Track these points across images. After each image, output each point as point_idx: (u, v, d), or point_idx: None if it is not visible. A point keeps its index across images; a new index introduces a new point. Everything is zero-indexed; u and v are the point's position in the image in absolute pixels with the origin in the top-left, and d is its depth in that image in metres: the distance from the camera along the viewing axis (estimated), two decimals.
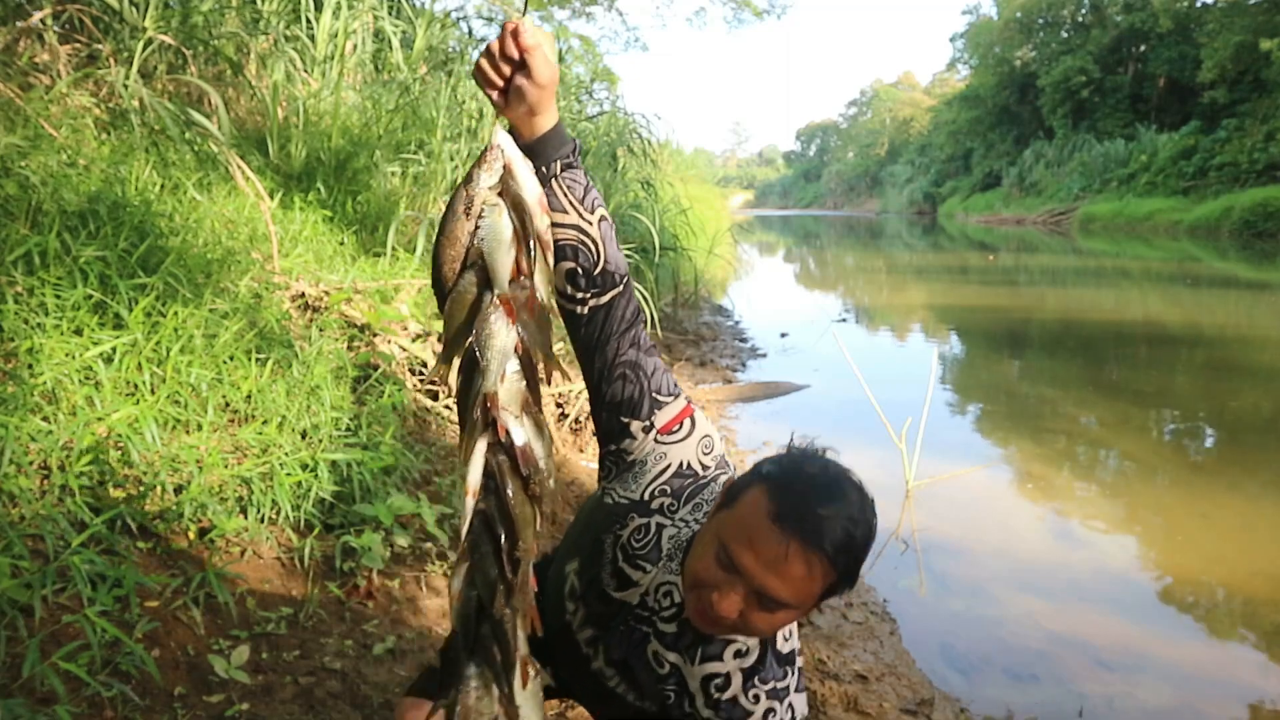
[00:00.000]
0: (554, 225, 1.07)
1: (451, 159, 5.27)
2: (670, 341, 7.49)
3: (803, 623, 2.87)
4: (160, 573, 2.16)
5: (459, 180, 0.98)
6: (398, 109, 5.61)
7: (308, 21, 5.57)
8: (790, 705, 1.21)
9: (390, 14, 6.62)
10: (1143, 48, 41.39)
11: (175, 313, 2.67)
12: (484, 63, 1.07)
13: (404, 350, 3.72)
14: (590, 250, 1.12)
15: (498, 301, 0.96)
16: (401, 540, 2.67)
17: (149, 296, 2.64)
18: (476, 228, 0.95)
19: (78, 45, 4.18)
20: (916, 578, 3.56)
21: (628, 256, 5.83)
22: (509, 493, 0.95)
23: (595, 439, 1.33)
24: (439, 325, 3.99)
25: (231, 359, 2.76)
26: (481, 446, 0.96)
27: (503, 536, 0.95)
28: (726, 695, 1.18)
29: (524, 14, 1.06)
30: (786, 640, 1.24)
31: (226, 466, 2.48)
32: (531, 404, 0.98)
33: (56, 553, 1.92)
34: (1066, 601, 3.36)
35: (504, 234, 0.95)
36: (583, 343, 1.18)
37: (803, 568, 1.04)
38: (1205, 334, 10.10)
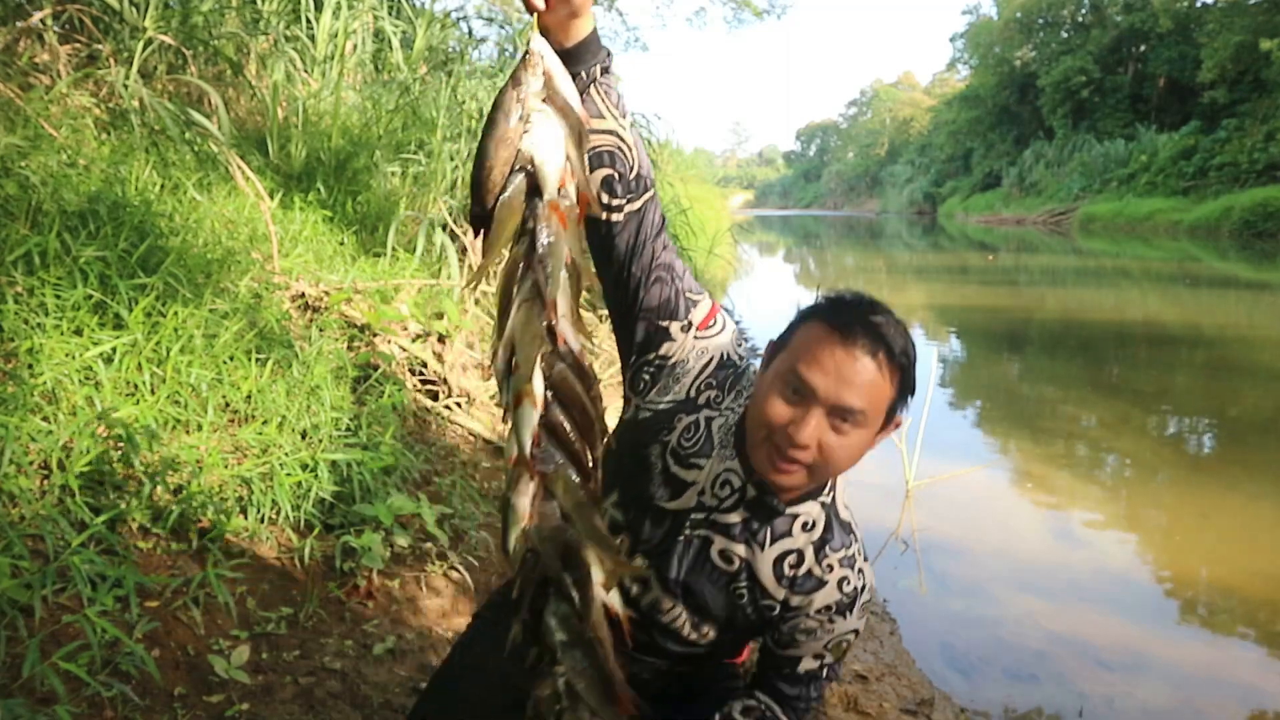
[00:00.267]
0: (592, 132, 1.06)
1: (451, 159, 5.27)
2: None
3: None
4: (160, 573, 2.16)
5: (503, 86, 0.93)
6: (398, 109, 5.61)
7: (308, 21, 5.58)
8: (860, 571, 1.24)
9: (390, 14, 6.63)
10: (1143, 48, 41.40)
11: (175, 313, 2.67)
12: None
13: (404, 350, 3.72)
14: (626, 155, 1.11)
15: (549, 208, 0.92)
16: (401, 540, 2.67)
17: (149, 296, 2.64)
18: (525, 132, 0.92)
19: (78, 45, 4.18)
20: (916, 578, 3.56)
21: None
22: (579, 393, 0.92)
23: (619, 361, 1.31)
24: (439, 325, 4.00)
25: (231, 359, 2.76)
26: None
27: (576, 439, 0.92)
28: (801, 570, 1.20)
29: None
30: (846, 509, 1.27)
31: (226, 466, 2.48)
32: (578, 315, 0.95)
33: (56, 553, 1.92)
34: (1066, 601, 3.36)
35: (554, 140, 0.93)
36: (617, 252, 1.16)
37: (871, 369, 1.07)
38: (1205, 334, 10.10)
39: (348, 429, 2.93)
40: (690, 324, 1.21)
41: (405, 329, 3.82)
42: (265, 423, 2.70)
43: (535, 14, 1.01)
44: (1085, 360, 8.53)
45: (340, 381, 3.12)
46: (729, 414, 1.22)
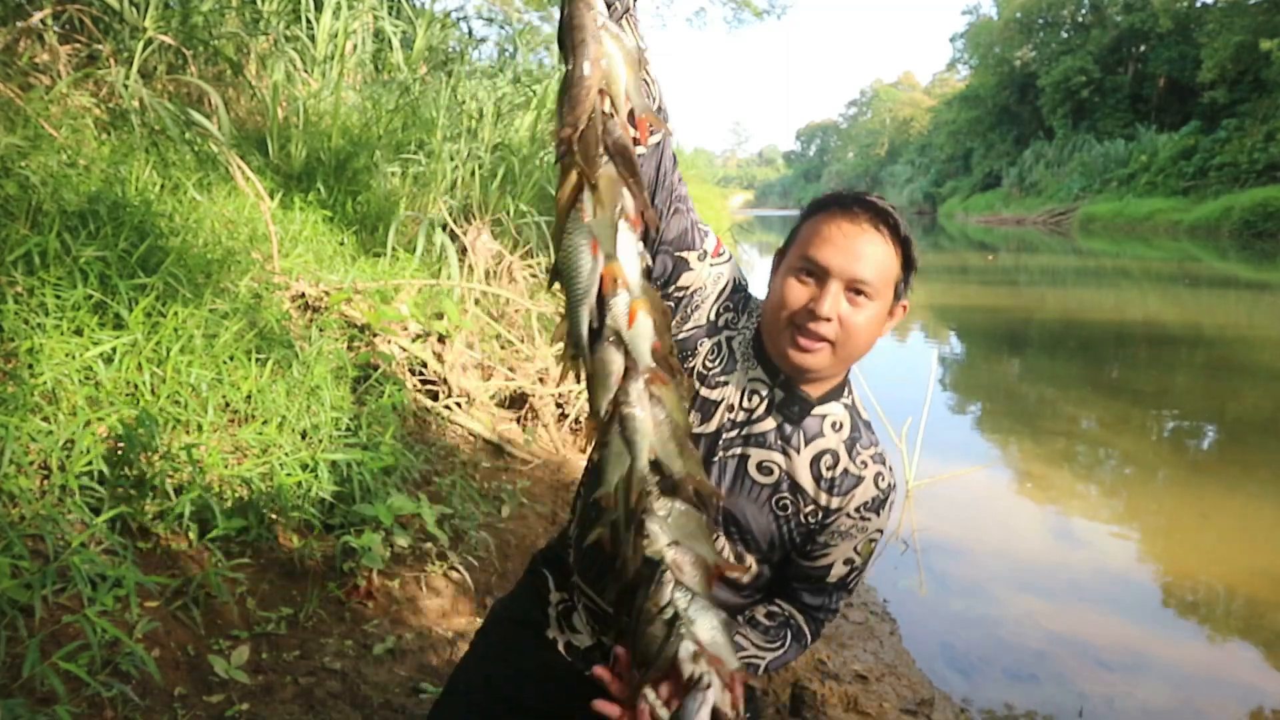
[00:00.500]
0: None
1: (451, 159, 5.27)
2: None
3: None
4: (160, 573, 2.16)
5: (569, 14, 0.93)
6: (398, 109, 5.61)
7: (308, 21, 5.58)
8: (890, 468, 1.29)
9: (390, 14, 6.63)
10: (1143, 48, 41.41)
11: (175, 313, 2.67)
12: None
13: (404, 350, 3.72)
14: (650, 88, 1.12)
15: (625, 128, 0.95)
16: (401, 540, 2.67)
17: (149, 296, 2.63)
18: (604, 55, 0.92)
19: (78, 45, 4.18)
20: (916, 578, 3.56)
21: None
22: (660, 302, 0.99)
23: None
24: (439, 325, 3.99)
25: (231, 359, 2.76)
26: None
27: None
28: (838, 470, 1.22)
29: None
30: (864, 411, 1.31)
31: (226, 466, 2.48)
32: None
33: (56, 553, 1.92)
34: (1066, 601, 3.36)
35: (620, 61, 0.94)
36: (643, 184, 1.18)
37: (878, 240, 1.13)
38: (1205, 334, 10.10)
39: (348, 429, 2.93)
40: (705, 253, 1.24)
41: (405, 329, 3.82)
42: (265, 423, 2.70)
43: None
44: (1085, 360, 8.53)
45: (340, 381, 3.12)
46: (746, 331, 1.25)
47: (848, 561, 1.28)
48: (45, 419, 2.19)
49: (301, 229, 4.17)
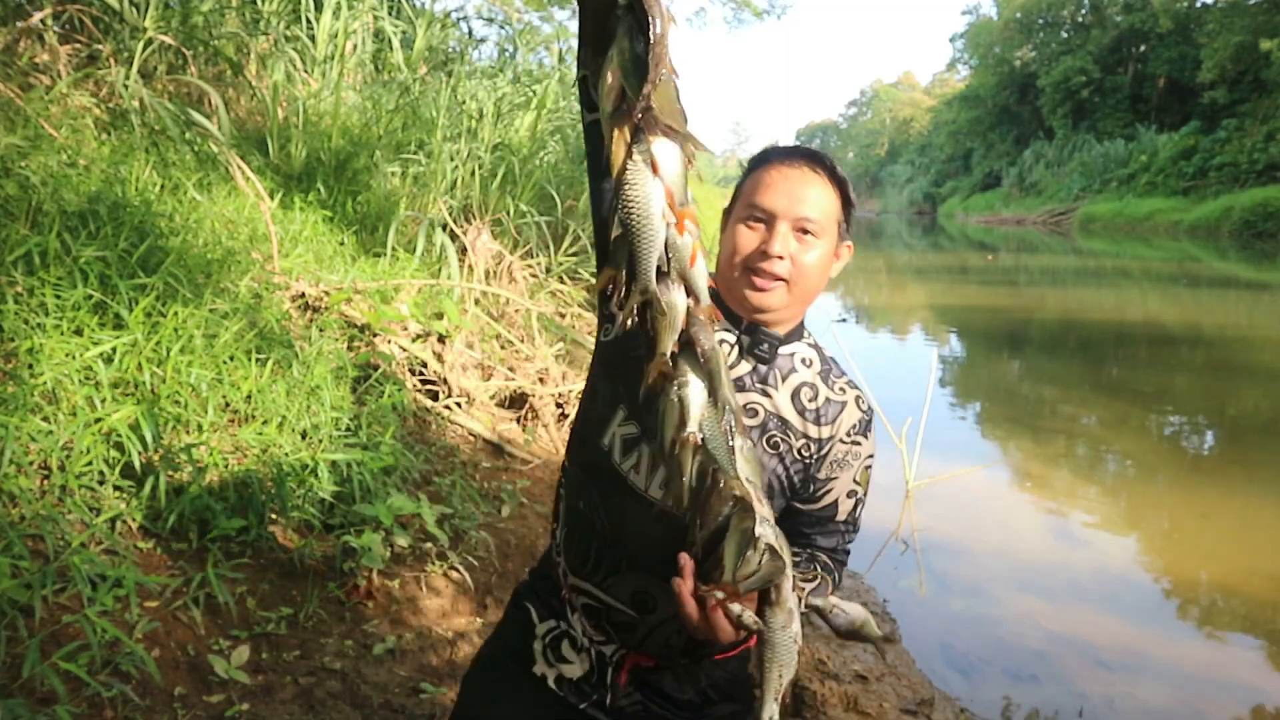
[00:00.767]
0: None
1: (451, 159, 5.27)
2: None
3: None
4: (160, 573, 2.16)
5: None
6: (398, 109, 5.61)
7: (308, 22, 5.58)
8: (863, 392, 1.32)
9: (390, 14, 6.63)
10: (1143, 48, 41.41)
11: (175, 313, 2.67)
12: None
13: (404, 350, 3.72)
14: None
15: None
16: (401, 540, 2.67)
17: (149, 296, 2.63)
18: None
19: (78, 45, 4.18)
20: (916, 578, 3.56)
21: None
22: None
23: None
24: (438, 325, 3.99)
25: (231, 359, 2.76)
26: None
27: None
28: (820, 400, 1.26)
29: None
30: (826, 350, 1.34)
31: (226, 466, 2.48)
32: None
33: (56, 553, 1.92)
34: (1066, 601, 3.36)
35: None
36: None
37: (819, 184, 1.19)
38: (1205, 334, 10.10)
39: (348, 429, 2.93)
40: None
41: (405, 329, 3.82)
42: (265, 423, 2.70)
43: None
44: (1085, 360, 8.53)
45: (340, 381, 3.12)
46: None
47: (851, 494, 1.30)
48: (45, 419, 2.19)
49: (301, 229, 4.17)
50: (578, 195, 6.16)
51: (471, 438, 3.76)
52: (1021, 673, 2.87)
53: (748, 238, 1.19)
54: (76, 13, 4.20)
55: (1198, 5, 37.71)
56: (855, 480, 1.29)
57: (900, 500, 4.30)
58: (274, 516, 2.50)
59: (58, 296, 2.46)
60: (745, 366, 1.24)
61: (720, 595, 1.01)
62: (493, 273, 4.69)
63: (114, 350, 2.44)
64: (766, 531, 1.00)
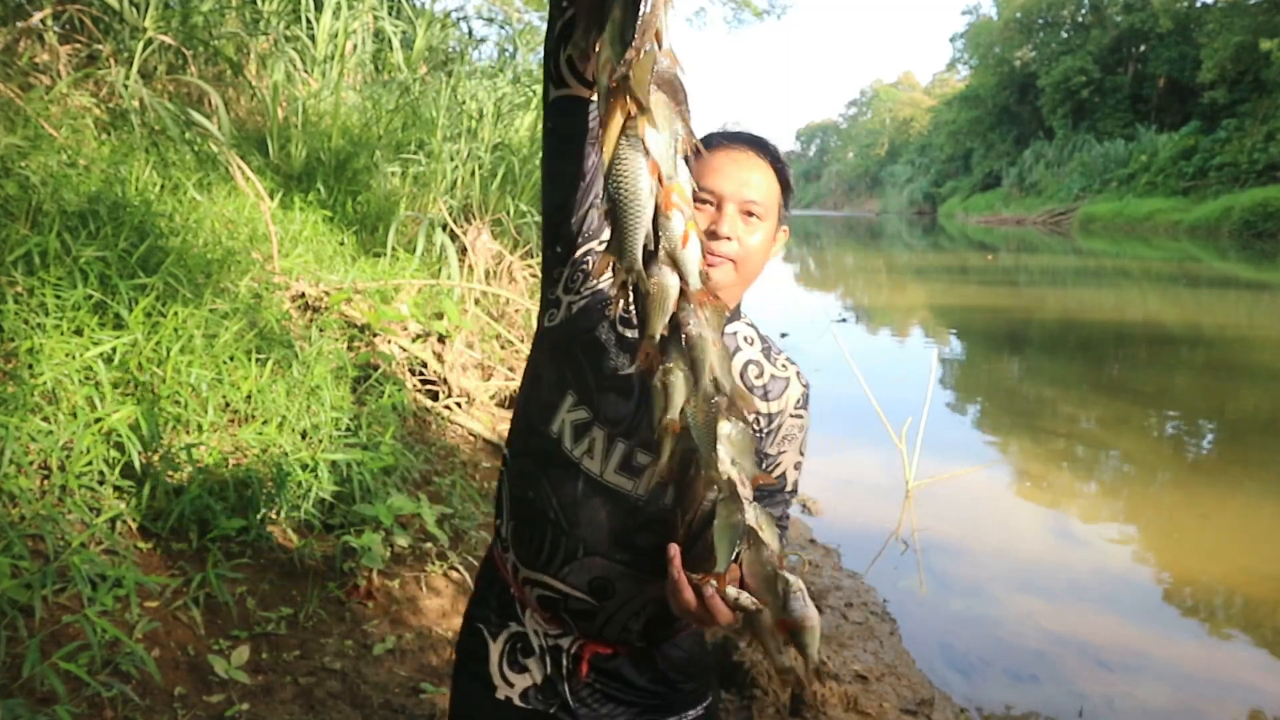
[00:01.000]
0: None
1: (451, 159, 5.27)
2: None
3: None
4: (160, 573, 2.16)
5: None
6: (398, 109, 5.61)
7: (308, 21, 5.58)
8: (799, 369, 1.37)
9: (390, 14, 6.63)
10: (1143, 48, 41.42)
11: (175, 313, 2.67)
12: None
13: (404, 350, 3.72)
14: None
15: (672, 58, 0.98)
16: (401, 540, 2.67)
17: (149, 296, 2.64)
18: None
19: (78, 45, 4.18)
20: (916, 578, 3.56)
21: None
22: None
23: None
24: (438, 325, 3.99)
25: (231, 359, 2.76)
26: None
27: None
28: (766, 377, 1.30)
29: None
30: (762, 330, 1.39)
31: (226, 466, 2.48)
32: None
33: (56, 553, 1.92)
34: (1066, 601, 3.36)
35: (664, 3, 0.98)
36: (593, 133, 1.18)
37: (761, 166, 1.24)
38: (1205, 334, 10.10)
39: (348, 429, 2.93)
40: None
41: (405, 329, 3.82)
42: (265, 423, 2.70)
43: None
44: (1085, 360, 8.53)
45: (340, 381, 3.12)
46: None
47: (796, 465, 1.36)
48: (45, 419, 2.19)
49: (301, 229, 4.17)
50: None
51: (471, 438, 3.76)
52: (1021, 673, 2.87)
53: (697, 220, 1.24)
54: (76, 13, 4.20)
55: (1198, 5, 37.72)
56: (800, 451, 1.36)
57: (900, 500, 4.30)
58: (274, 516, 2.50)
59: (58, 296, 2.46)
60: None
61: (714, 583, 1.03)
62: (493, 273, 4.69)
63: (114, 350, 2.44)
64: (750, 514, 1.02)
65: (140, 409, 2.35)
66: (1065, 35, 45.99)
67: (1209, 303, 12.92)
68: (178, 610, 2.10)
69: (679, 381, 0.99)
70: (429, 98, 5.70)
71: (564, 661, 1.29)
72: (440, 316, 3.94)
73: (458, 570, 2.76)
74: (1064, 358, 8.75)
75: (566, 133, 1.16)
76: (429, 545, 2.79)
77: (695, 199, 1.20)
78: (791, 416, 1.31)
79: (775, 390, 1.30)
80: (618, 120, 0.94)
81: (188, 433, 2.52)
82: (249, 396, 2.72)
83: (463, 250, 4.66)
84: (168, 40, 4.42)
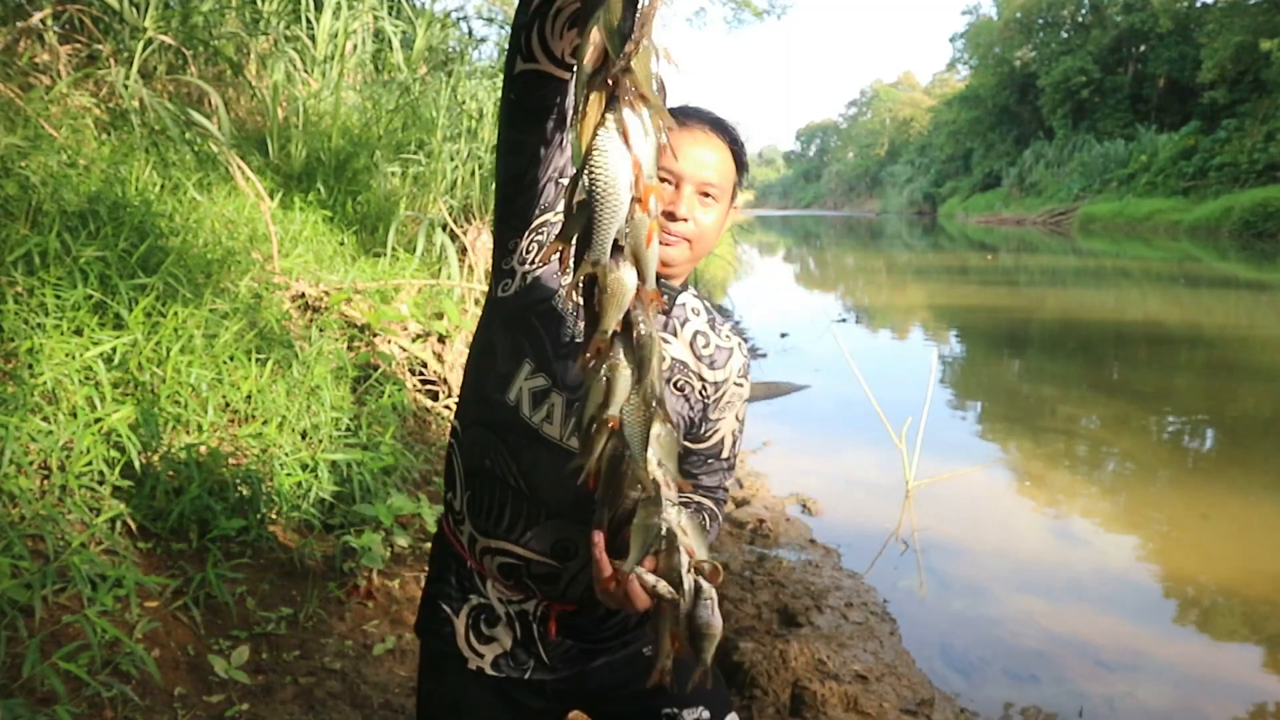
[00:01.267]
0: None
1: (451, 159, 5.27)
2: None
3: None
4: (160, 573, 2.16)
5: None
6: (398, 109, 5.61)
7: (308, 22, 5.58)
8: (744, 339, 1.42)
9: (390, 14, 6.63)
10: (1143, 48, 41.42)
11: (175, 313, 2.67)
12: None
13: (404, 350, 3.72)
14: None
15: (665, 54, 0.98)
16: (401, 540, 2.67)
17: (149, 296, 2.64)
18: None
19: (78, 45, 4.18)
20: (916, 578, 3.56)
21: None
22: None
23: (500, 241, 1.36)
24: (438, 325, 3.98)
25: (231, 359, 2.76)
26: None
27: None
28: (712, 346, 1.35)
29: None
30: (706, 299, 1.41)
31: (226, 466, 2.48)
32: None
33: (56, 553, 1.92)
34: (1066, 601, 3.36)
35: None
36: (563, 109, 1.19)
37: (718, 146, 1.27)
38: (1205, 334, 10.10)
39: (348, 429, 2.93)
40: None
41: (405, 329, 3.82)
42: (265, 423, 2.70)
43: None
44: (1085, 360, 8.53)
45: (340, 381, 3.12)
46: None
47: (733, 432, 1.40)
48: (45, 419, 2.19)
49: (301, 229, 4.17)
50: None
51: None
52: (1021, 673, 2.87)
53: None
54: (76, 13, 4.20)
55: (1198, 5, 37.72)
56: (737, 418, 1.39)
57: (900, 500, 4.30)
58: (274, 516, 2.50)
59: (58, 296, 2.46)
60: None
61: (646, 576, 1.07)
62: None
63: (114, 350, 2.44)
64: (671, 516, 1.04)
65: (140, 409, 2.35)
66: (1065, 35, 45.99)
67: (1209, 303, 12.92)
68: (178, 610, 2.10)
69: (623, 378, 0.99)
70: (429, 98, 5.70)
71: (532, 624, 1.30)
72: (440, 316, 3.94)
73: None
74: (1064, 358, 8.75)
75: (531, 106, 1.16)
76: (429, 545, 2.79)
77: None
78: (734, 385, 1.36)
79: (720, 360, 1.35)
80: (595, 111, 0.93)
81: (188, 433, 2.52)
82: (249, 396, 2.72)
83: (463, 250, 4.66)
84: (168, 40, 4.42)
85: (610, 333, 0.98)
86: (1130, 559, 3.81)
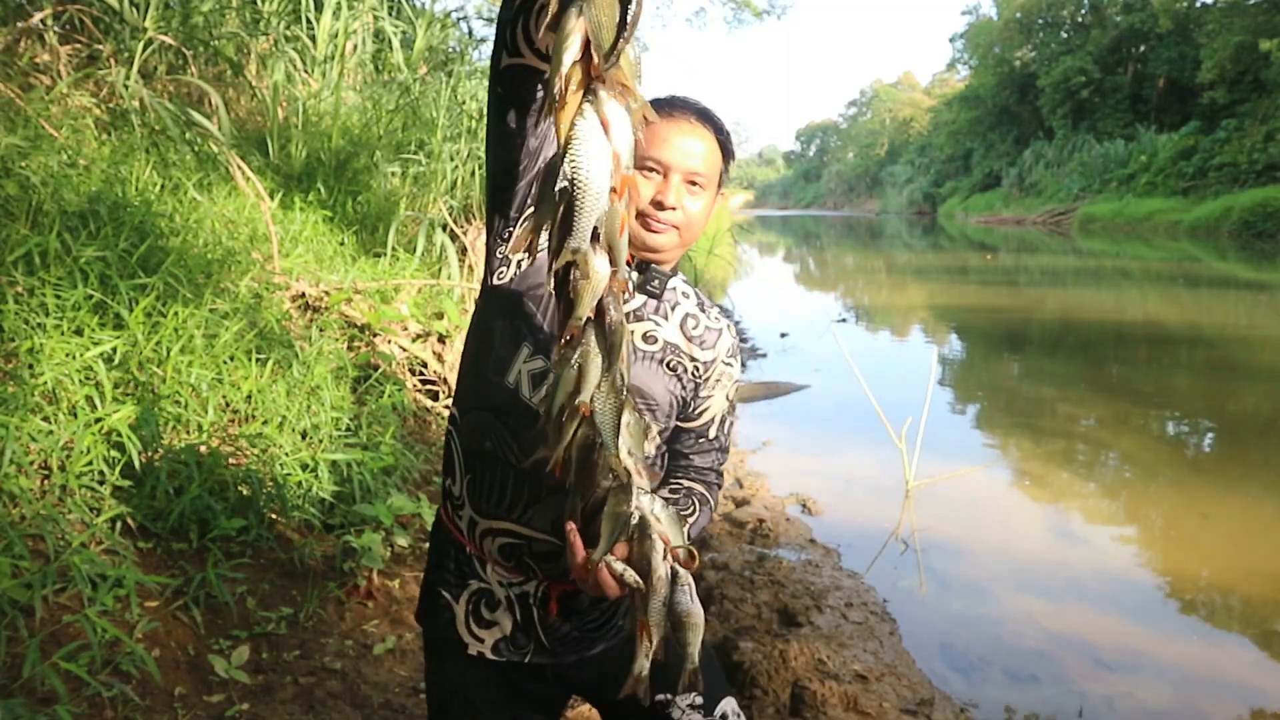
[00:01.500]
0: None
1: (451, 159, 5.27)
2: None
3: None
4: (160, 573, 2.16)
5: None
6: (398, 109, 5.61)
7: (308, 22, 5.58)
8: (731, 322, 1.46)
9: (390, 14, 6.63)
10: (1142, 48, 41.42)
11: (175, 313, 2.67)
12: None
13: (404, 350, 3.72)
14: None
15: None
16: (401, 540, 2.67)
17: (149, 296, 2.64)
18: None
19: (78, 45, 4.18)
20: (916, 578, 3.56)
21: None
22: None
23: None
24: (439, 325, 3.98)
25: (231, 359, 2.76)
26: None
27: None
28: (701, 328, 1.39)
29: None
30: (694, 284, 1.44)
31: (226, 466, 2.48)
32: None
33: (56, 553, 1.92)
34: (1066, 601, 3.36)
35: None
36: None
37: (706, 137, 1.30)
38: (1205, 334, 10.10)
39: (348, 429, 2.93)
40: None
41: (405, 329, 3.82)
42: (265, 423, 2.70)
43: None
44: (1085, 360, 8.53)
45: (340, 381, 3.12)
46: None
47: (724, 412, 1.43)
48: (46, 419, 2.19)
49: (301, 229, 4.17)
50: None
51: None
52: (1021, 673, 2.87)
53: (643, 186, 1.29)
54: (76, 13, 4.20)
55: (1198, 5, 37.71)
56: (728, 398, 1.43)
57: (900, 500, 4.30)
58: (274, 516, 2.50)
59: (58, 296, 2.46)
60: (639, 299, 1.36)
61: (615, 564, 1.08)
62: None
63: (114, 350, 2.44)
64: (644, 503, 1.05)
65: (140, 409, 2.35)
66: (1065, 35, 45.98)
67: (1209, 303, 12.92)
68: (178, 610, 2.10)
69: (595, 365, 1.00)
70: (429, 98, 5.70)
71: (533, 607, 1.31)
72: (440, 316, 3.94)
73: None
74: (1064, 358, 8.75)
75: (516, 100, 1.17)
76: (429, 545, 2.79)
77: (641, 167, 1.27)
78: (724, 363, 1.40)
79: (709, 340, 1.39)
80: (574, 101, 0.94)
81: (188, 433, 2.52)
82: (249, 396, 2.72)
83: (463, 250, 4.66)
84: (168, 40, 4.42)
85: (584, 319, 1.00)
86: (1130, 559, 3.81)
